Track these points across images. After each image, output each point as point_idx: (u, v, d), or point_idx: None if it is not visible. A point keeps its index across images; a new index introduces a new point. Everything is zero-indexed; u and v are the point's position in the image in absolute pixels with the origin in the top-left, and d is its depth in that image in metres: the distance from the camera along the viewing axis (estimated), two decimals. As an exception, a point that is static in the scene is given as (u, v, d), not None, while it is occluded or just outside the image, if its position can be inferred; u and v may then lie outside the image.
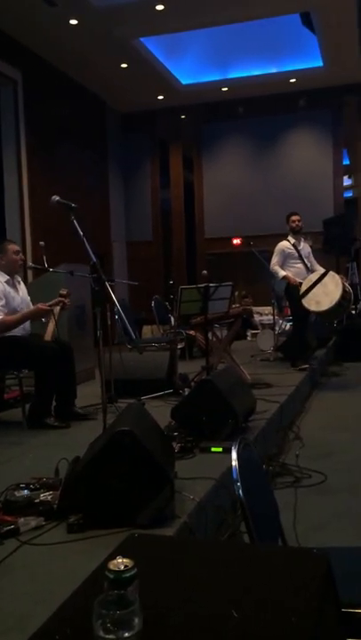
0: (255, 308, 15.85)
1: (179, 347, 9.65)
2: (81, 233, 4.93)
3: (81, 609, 1.62)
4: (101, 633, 1.38)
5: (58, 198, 5.21)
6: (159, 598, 1.57)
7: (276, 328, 11.65)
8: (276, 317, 11.88)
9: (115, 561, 1.47)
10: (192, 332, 11.12)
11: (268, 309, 15.70)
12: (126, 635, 1.38)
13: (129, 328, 6.37)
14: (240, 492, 2.33)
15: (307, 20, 14.04)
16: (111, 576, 1.44)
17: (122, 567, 1.45)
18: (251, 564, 1.93)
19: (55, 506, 3.63)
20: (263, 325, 14.93)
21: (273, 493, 2.98)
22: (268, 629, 1.52)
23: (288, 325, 12.36)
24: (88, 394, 7.29)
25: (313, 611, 1.58)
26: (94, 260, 4.89)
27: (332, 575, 1.82)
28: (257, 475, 2.72)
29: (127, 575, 1.44)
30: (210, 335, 8.26)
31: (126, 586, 1.43)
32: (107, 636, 1.38)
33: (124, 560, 1.47)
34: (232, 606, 1.59)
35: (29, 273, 11.66)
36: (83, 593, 1.76)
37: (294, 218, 10.16)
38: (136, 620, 1.40)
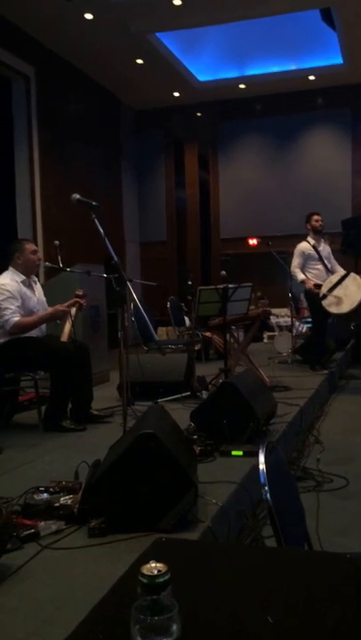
0: (271, 310, 15.77)
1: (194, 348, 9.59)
2: (102, 232, 4.85)
3: (112, 614, 1.62)
4: (139, 638, 1.36)
5: (78, 197, 5.11)
6: (191, 603, 1.52)
7: (293, 330, 11.56)
8: (293, 319, 11.80)
9: (148, 565, 1.46)
10: (208, 334, 11.07)
11: (284, 311, 15.62)
12: (163, 641, 1.33)
13: (151, 329, 6.30)
14: (268, 496, 2.30)
15: (327, 17, 13.88)
16: (145, 581, 1.43)
17: (155, 572, 1.43)
18: (285, 568, 1.93)
19: (76, 510, 3.57)
20: (280, 327, 14.86)
21: (299, 497, 2.92)
22: (304, 635, 1.52)
23: (305, 327, 12.29)
24: (102, 396, 7.27)
25: (350, 617, 1.58)
26: (116, 259, 4.82)
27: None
28: (284, 479, 2.68)
29: (161, 580, 1.43)
30: (227, 337, 8.20)
31: (160, 591, 1.42)
32: None
33: (158, 564, 1.45)
34: (267, 611, 1.58)
35: (41, 273, 11.59)
36: (113, 598, 1.76)
37: (317, 217, 10.04)
38: (174, 627, 1.38)
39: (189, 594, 1.61)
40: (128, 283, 4.88)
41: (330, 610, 1.60)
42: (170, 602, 1.38)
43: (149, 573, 1.42)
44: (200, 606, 1.63)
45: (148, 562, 1.47)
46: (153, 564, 1.45)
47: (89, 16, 13.10)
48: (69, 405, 6.31)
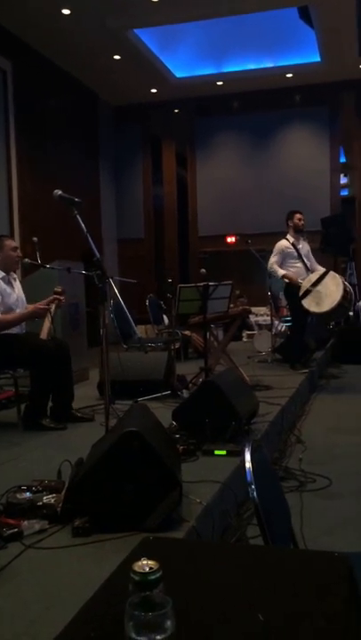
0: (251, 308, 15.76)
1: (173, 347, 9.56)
2: (84, 229, 4.82)
3: (103, 612, 1.63)
4: (133, 635, 1.35)
5: (60, 193, 5.06)
6: (181, 602, 1.50)
7: (273, 329, 11.55)
8: (272, 318, 11.79)
9: (139, 563, 1.45)
10: (187, 333, 11.03)
11: (262, 309, 15.63)
12: (158, 637, 1.35)
13: (133, 326, 6.26)
14: (255, 494, 2.29)
15: (305, 15, 13.96)
16: (137, 578, 1.42)
17: (147, 569, 1.43)
18: (273, 567, 1.93)
19: (59, 509, 3.53)
20: (259, 326, 14.86)
21: (284, 497, 2.91)
22: (292, 633, 1.53)
23: (284, 326, 12.28)
24: (82, 395, 7.21)
25: (340, 614, 1.58)
26: (98, 256, 4.79)
27: (355, 579, 1.81)
28: (269, 478, 2.68)
29: (153, 577, 1.42)
30: (208, 335, 8.18)
31: (152, 588, 1.41)
32: (138, 638, 1.35)
33: (149, 562, 1.44)
34: (258, 610, 1.58)
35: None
36: (103, 596, 1.75)
37: (299, 216, 10.01)
38: (168, 623, 1.37)
39: (178, 592, 1.59)
40: (111, 280, 4.85)
41: (318, 608, 1.59)
42: (162, 599, 1.38)
43: (141, 570, 1.42)
44: (190, 605, 1.62)
45: (138, 559, 1.45)
46: (144, 562, 1.44)
47: (66, 11, 13.07)
48: (50, 404, 6.26)
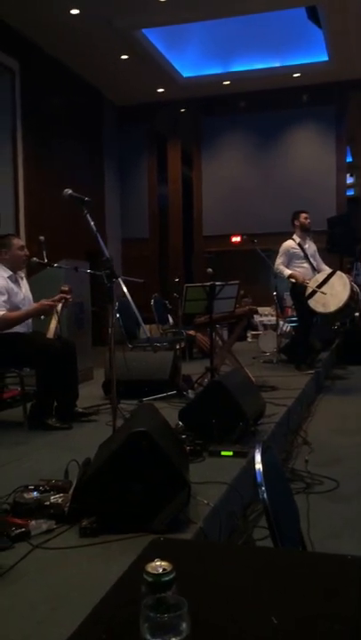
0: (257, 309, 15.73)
1: (178, 347, 9.52)
2: (94, 228, 4.81)
3: (114, 614, 1.62)
4: (148, 636, 1.34)
5: (70, 192, 5.05)
6: (191, 603, 1.49)
7: (278, 329, 11.52)
8: (277, 318, 11.76)
9: (153, 564, 1.44)
10: (192, 333, 11.01)
11: (267, 310, 15.59)
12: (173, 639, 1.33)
13: (142, 325, 6.25)
14: (265, 496, 2.26)
15: (313, 15, 13.96)
16: (150, 579, 1.41)
17: (160, 570, 1.42)
18: (284, 569, 1.92)
19: (66, 509, 3.52)
20: (264, 326, 14.83)
21: (293, 499, 2.89)
22: (306, 636, 1.52)
23: (289, 327, 12.25)
24: (87, 394, 7.18)
25: (351, 618, 1.56)
26: (108, 255, 4.78)
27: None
28: (278, 479, 2.65)
29: (167, 579, 1.41)
30: (213, 335, 8.15)
31: (166, 589, 1.40)
32: None
33: (163, 563, 1.44)
34: (268, 612, 1.57)
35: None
36: (114, 598, 1.75)
37: (306, 215, 9.96)
38: (184, 625, 1.35)
39: (189, 593, 1.58)
40: (120, 280, 4.84)
41: (329, 611, 1.59)
42: (176, 600, 1.37)
43: (155, 572, 1.41)
44: (200, 606, 1.59)
45: (151, 560, 1.44)
46: (158, 563, 1.44)
47: (75, 11, 13.09)
48: (55, 403, 6.25)
